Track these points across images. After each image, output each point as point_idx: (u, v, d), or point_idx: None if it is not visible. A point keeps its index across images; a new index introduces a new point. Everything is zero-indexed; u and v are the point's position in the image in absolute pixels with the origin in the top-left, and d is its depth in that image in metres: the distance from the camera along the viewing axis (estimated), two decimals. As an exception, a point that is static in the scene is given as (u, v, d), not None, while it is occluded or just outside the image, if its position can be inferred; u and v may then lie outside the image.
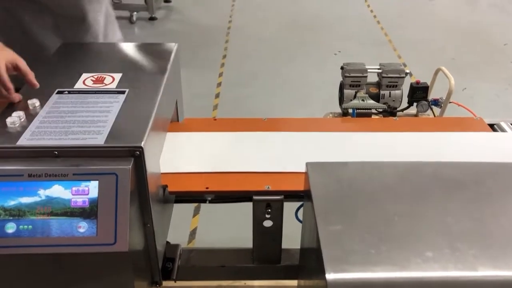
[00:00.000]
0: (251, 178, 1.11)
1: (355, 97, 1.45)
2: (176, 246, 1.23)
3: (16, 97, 1.05)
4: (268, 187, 1.09)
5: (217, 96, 3.67)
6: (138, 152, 0.90)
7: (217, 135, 1.27)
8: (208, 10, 5.41)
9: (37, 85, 1.07)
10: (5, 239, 0.85)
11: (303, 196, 1.05)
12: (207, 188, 1.10)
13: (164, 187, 1.10)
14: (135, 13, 4.96)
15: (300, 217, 1.09)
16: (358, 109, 1.40)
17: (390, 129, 1.30)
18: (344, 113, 1.52)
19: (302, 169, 0.98)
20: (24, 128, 0.95)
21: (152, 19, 5.01)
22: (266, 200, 1.08)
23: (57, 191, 0.87)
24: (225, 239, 2.22)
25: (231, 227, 2.26)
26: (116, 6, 5.20)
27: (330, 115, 1.58)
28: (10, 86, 1.02)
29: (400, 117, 1.37)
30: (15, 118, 0.97)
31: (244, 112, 3.39)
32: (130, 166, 0.88)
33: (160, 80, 1.15)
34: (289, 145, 1.23)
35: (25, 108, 1.01)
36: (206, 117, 1.39)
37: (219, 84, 3.84)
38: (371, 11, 5.45)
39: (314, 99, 3.60)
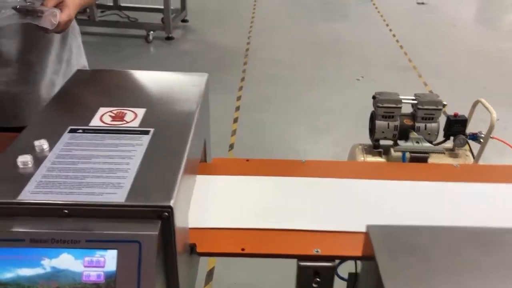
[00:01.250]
0: (296, 238, 0.93)
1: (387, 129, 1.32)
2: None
3: None
4: (318, 251, 0.90)
5: (235, 120, 3.51)
6: (166, 214, 0.73)
7: (252, 180, 1.10)
8: (226, 31, 5.30)
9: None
10: (-2, 323, 0.67)
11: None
12: (243, 249, 0.92)
13: (192, 246, 0.92)
14: (152, 32, 4.85)
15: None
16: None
17: (452, 179, 1.12)
18: (375, 146, 1.38)
19: (356, 227, 0.81)
20: (28, 176, 0.78)
21: (168, 38, 4.90)
22: (315, 267, 0.89)
23: (66, 261, 0.69)
24: (246, 283, 2.03)
25: (253, 269, 2.07)
26: (133, 24, 5.12)
27: (359, 147, 1.42)
28: None
29: (461, 164, 1.19)
30: (19, 164, 0.80)
31: (264, 139, 3.23)
32: (157, 232, 0.71)
33: (190, 117, 0.98)
34: (338, 196, 1.05)
35: (31, 150, 0.84)
36: (237, 158, 1.22)
37: (237, 108, 3.68)
38: (393, 35, 5.30)
39: (338, 127, 3.43)
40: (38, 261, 0.69)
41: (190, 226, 0.93)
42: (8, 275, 0.68)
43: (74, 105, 1.03)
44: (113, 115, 0.97)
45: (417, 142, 1.23)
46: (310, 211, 1.00)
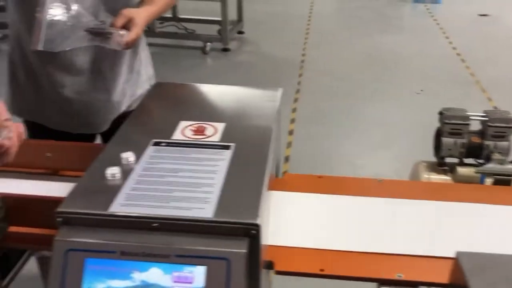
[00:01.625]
0: (377, 261, 0.90)
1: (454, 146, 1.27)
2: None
3: None
4: (400, 276, 0.87)
5: (290, 133, 3.49)
6: (254, 231, 0.72)
7: (328, 199, 1.08)
8: (281, 42, 5.31)
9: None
10: (90, 332, 0.69)
11: None
12: (321, 270, 0.89)
13: (269, 263, 0.91)
14: (209, 43, 4.94)
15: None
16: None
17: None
18: (441, 164, 1.32)
19: (442, 252, 0.77)
20: (117, 188, 0.80)
21: (225, 50, 4.97)
22: (398, 293, 0.86)
23: (155, 275, 0.70)
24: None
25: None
26: (190, 36, 5.23)
27: (423, 164, 1.36)
28: None
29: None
30: (108, 176, 0.82)
31: (319, 152, 3.19)
32: (246, 250, 0.70)
33: (268, 132, 0.98)
34: (420, 218, 1.01)
35: (118, 162, 0.86)
36: (309, 174, 1.19)
37: (292, 121, 3.67)
38: (454, 48, 5.12)
39: (397, 142, 3.33)
40: (129, 273, 0.70)
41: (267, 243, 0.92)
42: (100, 285, 0.70)
43: (155, 118, 1.05)
44: (194, 129, 0.98)
45: (500, 164, 1.17)
46: (391, 233, 0.96)
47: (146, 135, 0.96)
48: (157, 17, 1.42)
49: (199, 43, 5.01)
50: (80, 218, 0.74)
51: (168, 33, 5.28)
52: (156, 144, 0.93)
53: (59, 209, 0.75)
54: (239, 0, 5.19)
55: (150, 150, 0.91)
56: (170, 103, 1.12)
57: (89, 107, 1.39)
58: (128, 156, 0.87)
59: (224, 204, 0.76)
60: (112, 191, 0.79)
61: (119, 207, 0.75)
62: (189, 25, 5.41)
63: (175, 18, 5.51)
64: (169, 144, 0.93)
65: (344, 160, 3.14)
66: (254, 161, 0.88)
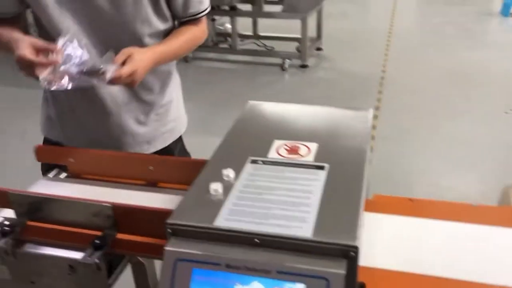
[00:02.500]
0: (470, 290, 0.88)
1: None
2: None
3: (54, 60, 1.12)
4: (501, 308, 0.84)
5: (370, 151, 3.44)
6: (353, 253, 0.74)
7: (419, 223, 1.06)
8: (360, 58, 5.27)
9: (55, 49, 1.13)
10: None
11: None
12: (414, 294, 0.89)
13: (362, 285, 0.91)
14: (287, 60, 5.01)
15: None
16: None
17: None
18: None
19: None
20: (219, 203, 0.85)
21: (303, 66, 5.02)
22: (498, 325, 0.83)
23: (256, 289, 0.74)
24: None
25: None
26: (269, 53, 5.35)
27: None
28: (39, 61, 1.12)
29: None
30: (211, 191, 0.88)
31: (401, 171, 3.12)
32: (345, 271, 0.72)
33: (362, 154, 0.99)
34: (518, 248, 0.96)
35: (219, 178, 0.92)
36: (399, 196, 1.18)
37: (372, 138, 3.61)
38: (549, 65, 4.81)
39: (484, 163, 3.18)
40: (232, 285, 0.74)
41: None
42: (206, 295, 0.75)
43: (250, 136, 1.09)
44: (288, 148, 1.02)
45: None
46: (484, 262, 0.93)
47: (243, 152, 1.01)
48: (172, 59, 1.43)
49: (277, 60, 5.11)
50: (188, 230, 0.80)
51: (248, 50, 5.43)
52: (253, 162, 0.97)
53: (169, 221, 0.81)
54: (319, 17, 5.24)
55: (248, 167, 0.95)
56: (264, 122, 1.16)
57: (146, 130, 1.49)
58: (229, 173, 0.92)
59: (322, 224, 0.78)
60: (216, 205, 0.84)
61: (224, 221, 0.80)
62: (268, 42, 5.54)
63: (255, 36, 5.66)
64: (265, 162, 0.97)
65: (427, 181, 3.05)
66: (349, 183, 0.90)
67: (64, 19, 1.26)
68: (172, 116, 1.55)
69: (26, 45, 1.15)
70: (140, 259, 1.59)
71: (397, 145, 3.45)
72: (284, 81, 4.88)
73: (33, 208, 1.05)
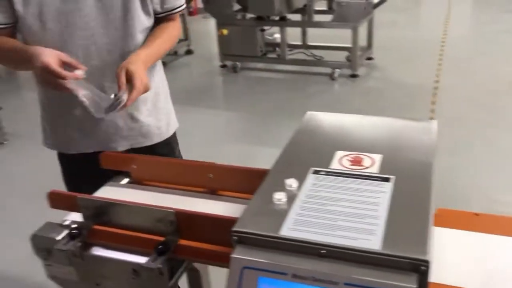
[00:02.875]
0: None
1: None
2: None
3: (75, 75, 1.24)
4: None
5: (423, 163, 3.34)
6: (424, 268, 0.72)
7: (489, 239, 1.02)
8: (412, 68, 5.15)
9: (83, 69, 1.26)
10: None
11: None
12: (486, 313, 0.85)
13: (429, 301, 0.89)
14: (337, 70, 4.97)
15: None
16: None
17: None
18: None
19: None
20: (283, 213, 0.85)
21: (353, 76, 4.97)
22: None
23: (324, 300, 0.73)
24: None
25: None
26: (318, 63, 5.32)
27: None
28: (65, 73, 1.21)
29: None
30: (274, 200, 0.88)
31: (458, 186, 3.00)
32: (416, 286, 0.70)
33: (429, 166, 0.96)
34: None
35: (282, 188, 0.92)
36: (463, 210, 1.14)
37: (425, 150, 3.51)
38: None
39: (546, 179, 3.02)
40: (298, 296, 0.74)
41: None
42: (271, 304, 0.75)
43: (311, 147, 1.09)
44: (351, 159, 1.01)
45: None
46: None
47: (305, 163, 1.01)
48: (156, 60, 1.48)
49: (327, 70, 5.08)
50: (253, 238, 0.80)
51: (297, 60, 5.44)
52: (316, 172, 0.97)
53: (234, 228, 0.82)
54: (369, 26, 5.17)
55: (311, 178, 0.95)
56: (325, 132, 1.16)
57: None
58: (292, 183, 0.92)
59: (390, 236, 0.77)
60: (280, 215, 0.84)
61: (289, 231, 0.80)
62: (317, 52, 5.52)
63: (304, 45, 5.66)
64: (328, 173, 0.96)
65: (483, 195, 2.92)
66: (417, 195, 0.88)
67: (48, 34, 1.34)
68: (163, 110, 1.60)
69: (51, 54, 1.23)
70: (196, 266, 1.62)
71: (453, 158, 3.33)
72: (333, 91, 4.84)
73: (100, 212, 1.09)
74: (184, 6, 1.55)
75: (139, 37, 1.42)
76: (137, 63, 1.30)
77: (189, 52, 6.32)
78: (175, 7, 1.50)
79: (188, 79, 5.63)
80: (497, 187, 3.00)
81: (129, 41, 1.40)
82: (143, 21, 1.42)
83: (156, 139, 1.58)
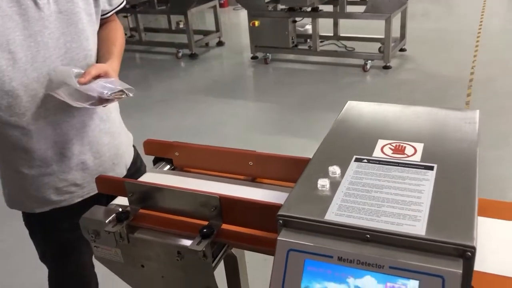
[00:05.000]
0: None
1: None
2: None
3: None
4: None
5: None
6: (469, 253, 0.72)
7: (531, 229, 1.02)
8: (446, 60, 5.06)
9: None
10: (307, 327, 0.76)
11: None
12: (529, 302, 0.85)
13: (471, 288, 0.89)
14: (370, 61, 4.93)
15: None
16: None
17: None
18: None
19: None
20: (327, 199, 0.87)
21: (386, 67, 4.91)
22: None
23: (369, 283, 0.75)
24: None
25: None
26: (350, 54, 5.29)
27: None
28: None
29: None
30: (319, 186, 0.90)
31: (499, 178, 2.94)
32: (461, 271, 0.71)
33: (473, 155, 0.96)
34: None
35: (325, 175, 0.94)
36: (504, 200, 1.14)
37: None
38: None
39: None
40: (344, 278, 0.76)
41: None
42: (317, 286, 0.77)
43: (353, 136, 1.10)
44: (393, 148, 1.02)
45: None
46: None
47: (346, 151, 1.02)
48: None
49: (359, 61, 5.04)
50: (298, 222, 0.82)
51: (328, 51, 5.41)
52: (358, 160, 0.98)
53: (280, 213, 0.84)
54: (403, 17, 5.09)
55: (353, 165, 0.97)
56: (366, 121, 1.17)
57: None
58: (335, 170, 0.94)
59: (435, 223, 0.78)
60: (324, 200, 0.86)
61: (334, 216, 0.82)
62: (348, 43, 5.48)
63: (336, 37, 5.62)
64: (370, 161, 0.98)
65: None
66: (461, 183, 0.88)
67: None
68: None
69: None
70: (233, 252, 1.66)
71: (490, 150, 3.27)
72: (366, 83, 4.80)
73: (145, 196, 1.14)
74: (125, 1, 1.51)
75: (93, 39, 1.35)
76: (111, 66, 1.29)
77: (220, 43, 6.36)
78: (121, 2, 1.46)
79: (220, 70, 5.68)
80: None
81: (84, 44, 1.30)
82: (96, 24, 1.36)
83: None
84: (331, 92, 4.52)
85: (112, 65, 1.31)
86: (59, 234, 1.43)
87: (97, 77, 1.22)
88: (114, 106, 1.47)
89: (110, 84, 1.21)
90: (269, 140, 3.73)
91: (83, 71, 1.23)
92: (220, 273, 1.37)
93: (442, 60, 5.07)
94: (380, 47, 5.09)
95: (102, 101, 1.21)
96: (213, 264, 1.14)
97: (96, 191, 1.33)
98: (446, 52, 5.28)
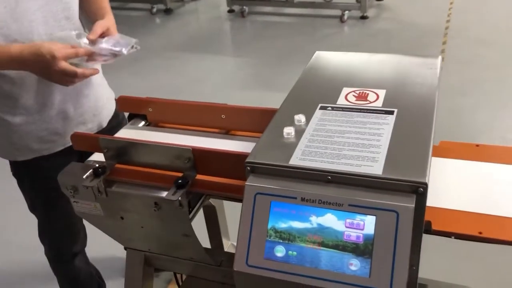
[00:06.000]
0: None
1: None
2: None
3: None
4: None
5: (432, 103, 3.36)
6: (421, 189, 0.78)
7: (487, 167, 1.08)
8: (423, 8, 5.05)
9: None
10: (274, 263, 0.82)
11: None
12: (480, 233, 0.93)
13: (428, 223, 0.96)
14: (347, 12, 4.90)
15: None
16: None
17: None
18: None
19: None
20: (292, 145, 0.91)
21: (363, 18, 4.89)
22: None
23: (330, 220, 0.81)
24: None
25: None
26: (327, 5, 5.23)
27: None
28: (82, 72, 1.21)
29: None
30: (284, 134, 0.94)
31: (467, 125, 3.04)
32: (413, 205, 0.77)
33: (431, 100, 1.01)
34: None
35: (291, 123, 0.98)
36: (466, 142, 1.20)
37: (434, 91, 3.52)
38: None
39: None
40: (307, 217, 0.82)
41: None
42: (283, 225, 0.83)
43: (319, 85, 1.14)
44: (356, 95, 1.06)
45: None
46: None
47: (312, 100, 1.06)
48: None
49: (336, 12, 5.00)
50: (265, 168, 0.87)
51: (305, 3, 5.34)
52: (323, 108, 1.02)
53: (248, 160, 0.89)
54: (379, -35, 5.03)
55: (318, 113, 1.01)
56: (332, 70, 1.20)
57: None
58: (300, 118, 0.98)
59: (392, 163, 0.83)
60: (289, 147, 0.91)
61: (297, 160, 0.87)
62: (326, -6, 5.40)
63: (313, -12, 5.53)
64: (334, 108, 1.02)
65: (492, 133, 2.96)
66: (418, 126, 0.93)
67: None
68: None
69: (60, 55, 1.17)
70: (211, 202, 1.71)
71: (462, 97, 3.35)
72: (343, 33, 4.79)
73: (121, 152, 1.17)
74: None
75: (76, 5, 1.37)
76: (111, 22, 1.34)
77: (195, -3, 6.22)
78: None
79: (196, 25, 5.58)
80: (505, 125, 3.03)
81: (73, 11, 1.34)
82: None
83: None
84: (309, 44, 4.50)
85: (111, 21, 1.35)
86: (45, 182, 1.45)
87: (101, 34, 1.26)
88: None
89: (121, 40, 1.28)
90: (247, 96, 3.74)
91: (81, 32, 1.27)
92: (201, 223, 1.43)
93: (418, 8, 5.06)
94: (357, -3, 5.04)
95: (115, 56, 1.27)
96: (191, 215, 1.20)
97: None
98: (423, 1, 5.26)
